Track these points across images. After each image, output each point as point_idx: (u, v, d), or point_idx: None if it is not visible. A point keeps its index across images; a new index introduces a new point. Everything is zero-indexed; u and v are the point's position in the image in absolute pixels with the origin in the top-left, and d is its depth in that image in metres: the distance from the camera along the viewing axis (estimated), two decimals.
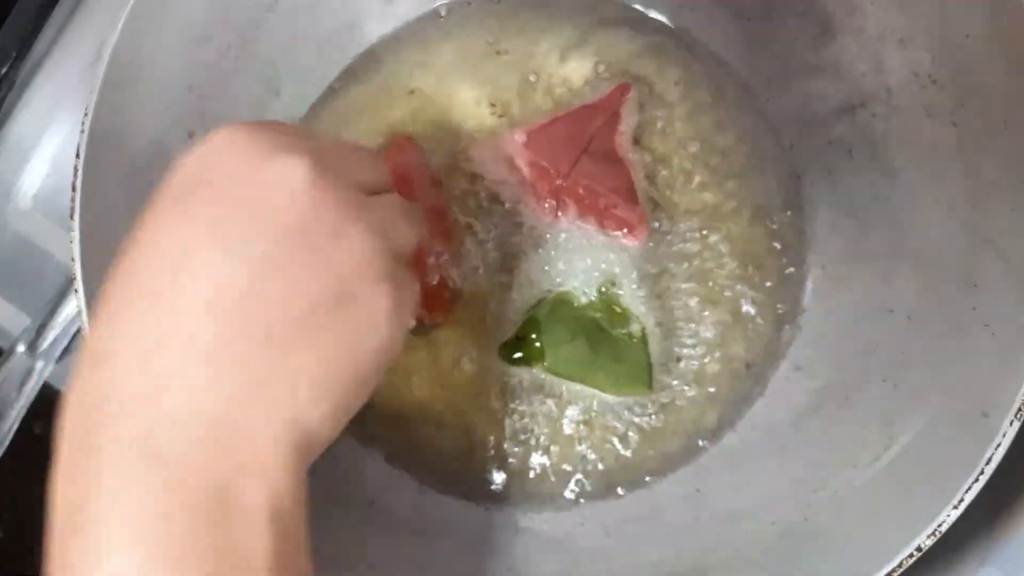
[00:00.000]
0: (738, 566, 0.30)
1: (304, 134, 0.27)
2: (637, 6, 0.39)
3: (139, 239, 0.23)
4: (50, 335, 0.39)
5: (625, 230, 0.35)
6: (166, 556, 0.19)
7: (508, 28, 0.39)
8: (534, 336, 0.35)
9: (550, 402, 0.35)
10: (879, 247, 0.34)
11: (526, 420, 0.36)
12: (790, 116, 0.37)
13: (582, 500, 0.35)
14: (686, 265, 0.36)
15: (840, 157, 0.35)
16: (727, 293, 0.36)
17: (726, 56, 0.38)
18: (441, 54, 0.39)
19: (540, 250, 0.36)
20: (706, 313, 0.36)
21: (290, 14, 0.37)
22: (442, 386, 0.36)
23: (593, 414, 0.35)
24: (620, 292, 0.35)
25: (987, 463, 0.25)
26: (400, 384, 0.36)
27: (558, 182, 0.36)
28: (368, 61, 0.39)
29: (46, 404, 0.42)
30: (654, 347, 0.35)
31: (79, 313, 0.29)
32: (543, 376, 0.35)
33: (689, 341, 0.36)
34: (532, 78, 0.38)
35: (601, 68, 0.38)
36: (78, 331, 0.39)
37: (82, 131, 0.30)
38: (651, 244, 0.36)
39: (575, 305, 0.35)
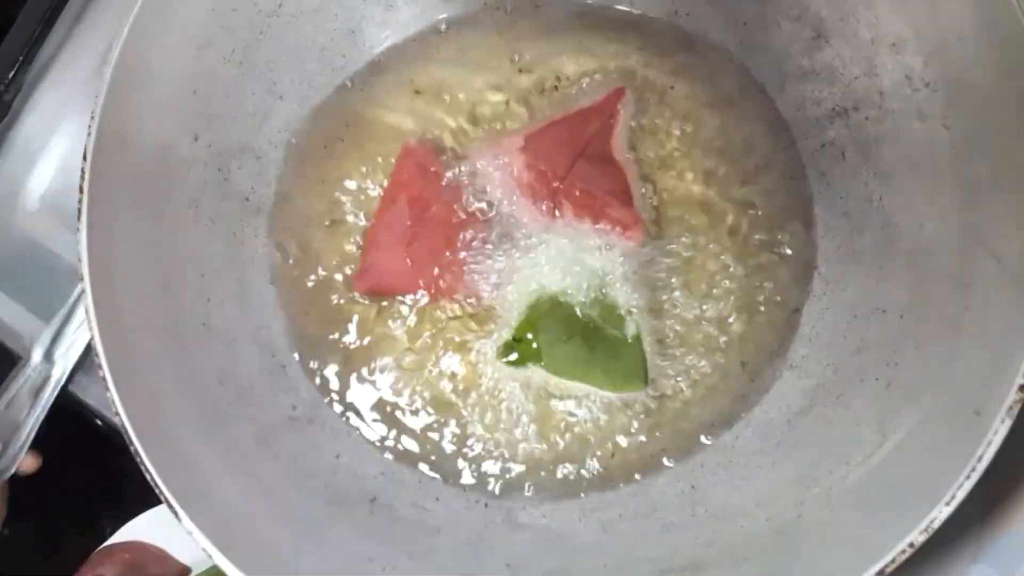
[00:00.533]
0: (733, 562, 0.30)
1: None
2: (633, 11, 0.39)
3: None
4: (67, 341, 0.40)
5: (621, 231, 0.36)
6: None
7: (506, 33, 0.39)
8: (530, 336, 0.36)
9: (547, 401, 0.36)
10: (872, 248, 0.34)
11: (524, 419, 0.36)
12: (785, 119, 0.37)
13: (579, 497, 0.35)
14: (681, 266, 0.36)
15: (834, 159, 0.36)
16: (721, 293, 0.36)
17: (721, 61, 0.38)
18: (441, 59, 0.39)
19: (537, 251, 0.36)
20: (701, 313, 0.36)
21: (293, 20, 0.37)
22: (441, 386, 0.37)
23: (589, 413, 0.36)
24: (615, 292, 0.36)
25: (979, 460, 0.26)
26: (400, 384, 0.37)
27: (555, 184, 0.36)
28: (369, 66, 0.40)
29: (53, 403, 0.42)
30: (649, 347, 0.36)
31: (87, 312, 0.29)
32: (540, 376, 0.36)
33: (684, 340, 0.36)
34: (529, 82, 0.39)
35: (597, 72, 0.38)
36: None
37: (89, 134, 0.30)
38: (646, 245, 0.36)
39: (571, 305, 0.36)
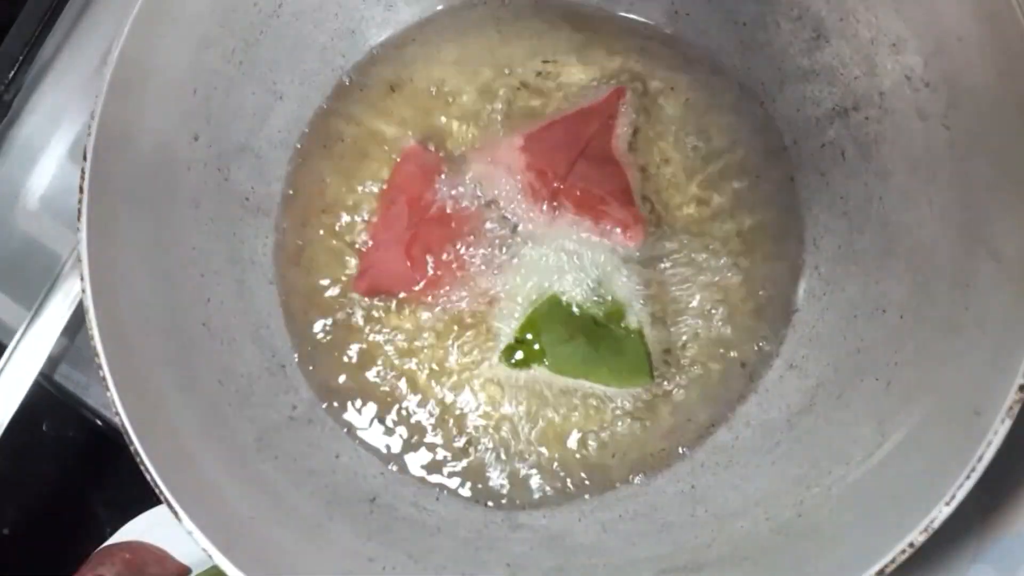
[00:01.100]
0: (733, 562, 0.30)
1: None
2: (633, 11, 0.39)
3: None
4: (41, 324, 0.39)
5: (622, 231, 0.36)
6: None
7: (506, 32, 0.39)
8: (532, 337, 0.36)
9: (548, 401, 0.36)
10: (872, 247, 0.34)
11: (524, 419, 0.36)
12: (784, 119, 0.37)
13: (579, 497, 0.35)
14: (681, 266, 0.36)
15: (834, 159, 0.36)
16: (721, 293, 0.36)
17: (721, 60, 0.38)
18: (441, 59, 0.39)
19: (537, 251, 0.36)
20: (701, 312, 0.36)
21: (293, 20, 0.37)
22: (442, 387, 0.37)
23: (590, 413, 0.36)
24: (616, 291, 0.36)
25: (979, 460, 0.26)
26: (399, 385, 0.37)
27: (555, 185, 0.36)
28: (369, 66, 0.40)
29: (53, 403, 0.43)
30: (650, 347, 0.36)
31: (87, 312, 0.29)
32: (542, 376, 0.36)
33: (684, 340, 0.36)
34: (530, 82, 0.39)
35: (597, 72, 0.39)
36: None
37: (89, 133, 0.30)
38: (647, 245, 0.36)
39: (572, 305, 0.36)
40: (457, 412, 0.36)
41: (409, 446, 0.36)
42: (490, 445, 0.36)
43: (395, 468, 0.36)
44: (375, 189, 0.39)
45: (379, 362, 0.37)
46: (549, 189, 0.36)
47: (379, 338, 0.37)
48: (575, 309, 0.36)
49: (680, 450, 0.35)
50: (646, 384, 0.35)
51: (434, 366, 0.37)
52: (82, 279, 0.29)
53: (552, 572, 0.32)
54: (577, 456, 0.36)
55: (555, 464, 0.36)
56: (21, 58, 0.43)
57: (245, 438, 0.33)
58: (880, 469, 0.29)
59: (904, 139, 0.33)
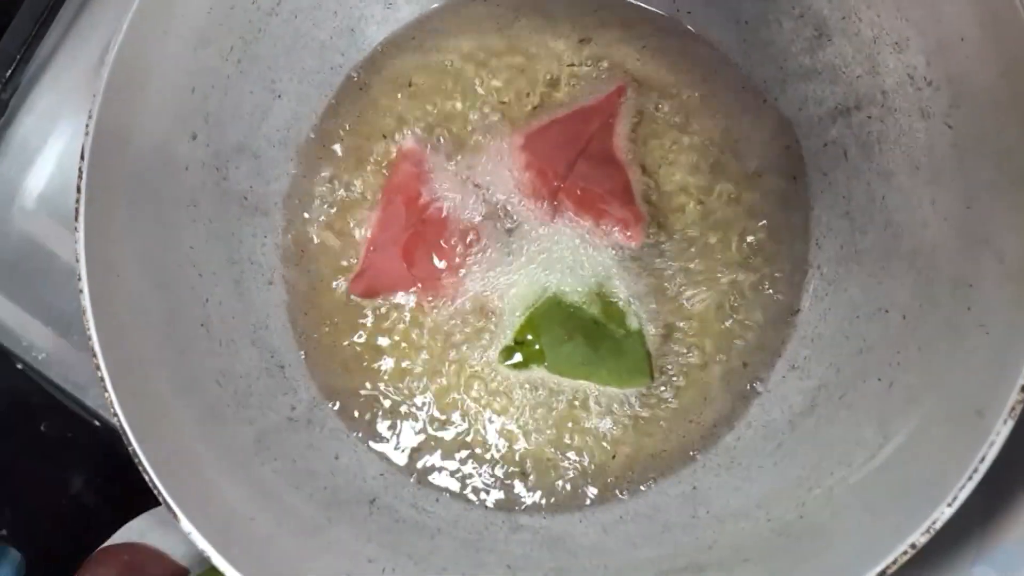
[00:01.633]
0: (734, 563, 0.30)
1: None
2: (633, 8, 0.39)
3: None
4: None
5: (622, 230, 0.36)
6: None
7: (507, 30, 0.39)
8: (531, 338, 0.35)
9: (547, 402, 0.36)
10: (875, 248, 0.34)
11: (525, 420, 0.36)
12: (786, 118, 0.37)
13: (579, 498, 0.35)
14: (682, 266, 0.36)
15: (836, 159, 0.36)
16: (723, 293, 0.36)
17: (723, 59, 0.38)
18: (440, 57, 0.39)
19: (537, 250, 0.36)
20: (702, 313, 0.36)
21: (291, 18, 0.37)
22: (441, 388, 0.36)
23: (590, 414, 0.36)
24: (616, 291, 0.36)
25: (981, 461, 0.26)
26: (398, 386, 0.37)
27: (556, 183, 0.36)
28: (368, 64, 0.40)
29: (52, 403, 0.42)
30: (650, 347, 0.36)
31: (85, 312, 0.29)
32: (542, 377, 0.36)
33: (685, 341, 0.36)
34: (530, 80, 0.39)
35: (598, 71, 0.38)
36: None
37: (86, 133, 0.30)
38: (648, 244, 0.36)
39: (571, 304, 0.36)
40: (456, 413, 0.36)
41: (409, 447, 0.36)
42: (489, 446, 0.36)
43: (395, 469, 0.36)
44: (374, 188, 0.38)
45: (378, 363, 0.37)
46: (549, 188, 0.36)
47: (378, 339, 0.37)
48: (575, 309, 0.35)
49: (681, 451, 0.35)
50: (646, 385, 0.35)
51: (433, 367, 0.37)
52: (80, 279, 0.29)
53: (552, 574, 0.32)
54: (577, 457, 0.35)
55: (555, 465, 0.35)
56: (18, 57, 0.42)
57: (244, 439, 0.33)
58: (882, 470, 0.29)
59: (907, 139, 0.33)
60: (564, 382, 0.36)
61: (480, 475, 0.36)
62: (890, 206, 0.34)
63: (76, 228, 0.30)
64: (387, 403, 0.37)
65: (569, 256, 0.36)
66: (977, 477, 0.26)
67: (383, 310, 0.37)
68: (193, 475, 0.29)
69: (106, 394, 0.28)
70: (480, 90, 0.39)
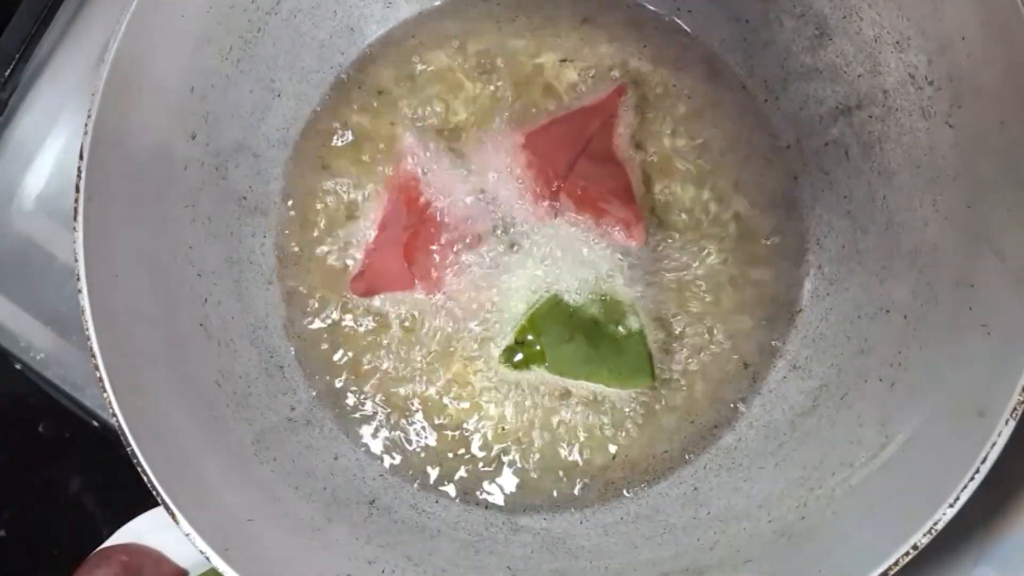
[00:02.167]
0: (735, 564, 0.30)
1: None
2: (634, 7, 0.39)
3: None
4: None
5: (623, 230, 0.36)
6: None
7: (507, 29, 0.39)
8: (532, 339, 0.35)
9: (548, 402, 0.36)
10: (876, 247, 0.34)
11: (525, 420, 0.36)
12: (787, 118, 0.37)
13: (580, 499, 0.35)
14: (682, 265, 0.36)
15: (837, 158, 0.36)
16: (724, 293, 0.36)
17: (724, 58, 0.38)
18: (440, 56, 0.39)
19: (538, 250, 0.36)
20: (703, 313, 0.36)
21: (291, 17, 0.37)
22: (441, 389, 0.36)
23: (590, 414, 0.36)
24: (617, 291, 0.36)
25: (983, 462, 0.26)
26: (398, 387, 0.37)
27: (556, 183, 0.36)
28: (368, 63, 0.40)
29: (51, 404, 0.42)
30: (651, 347, 0.35)
31: (84, 312, 0.29)
32: (542, 377, 0.36)
33: (686, 341, 0.36)
34: (531, 79, 0.39)
35: (599, 70, 0.38)
36: None
37: (85, 132, 0.30)
38: (648, 244, 0.36)
39: (572, 305, 0.35)
40: (456, 413, 0.36)
41: (409, 448, 0.36)
42: (490, 447, 0.36)
43: (394, 470, 0.36)
44: (374, 188, 0.38)
45: (378, 363, 0.37)
46: (550, 188, 0.36)
47: (378, 339, 0.37)
48: (575, 309, 0.35)
49: (682, 452, 0.35)
50: (647, 385, 0.35)
51: (433, 367, 0.36)
52: (78, 279, 0.29)
53: (553, 575, 0.31)
54: (578, 458, 0.35)
55: (556, 466, 0.35)
56: (17, 56, 0.42)
57: (243, 439, 0.33)
58: (884, 471, 0.29)
59: (908, 138, 0.33)
60: (565, 382, 0.36)
61: (480, 476, 0.35)
62: (891, 206, 0.34)
63: (75, 228, 0.30)
64: (387, 403, 0.36)
65: (570, 256, 0.36)
66: (979, 478, 0.25)
67: (383, 309, 0.37)
68: (192, 476, 0.29)
69: (105, 394, 0.28)
70: (480, 89, 0.39)
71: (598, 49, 0.39)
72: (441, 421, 0.36)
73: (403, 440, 0.36)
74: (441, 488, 0.35)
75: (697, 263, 0.36)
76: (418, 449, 0.36)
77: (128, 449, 0.28)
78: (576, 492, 0.35)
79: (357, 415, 0.37)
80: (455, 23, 0.40)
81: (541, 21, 0.39)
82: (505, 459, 0.35)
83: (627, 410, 0.35)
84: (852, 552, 0.27)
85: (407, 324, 0.37)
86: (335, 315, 0.37)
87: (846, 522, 0.29)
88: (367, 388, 0.37)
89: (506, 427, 0.36)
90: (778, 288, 0.36)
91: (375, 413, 0.37)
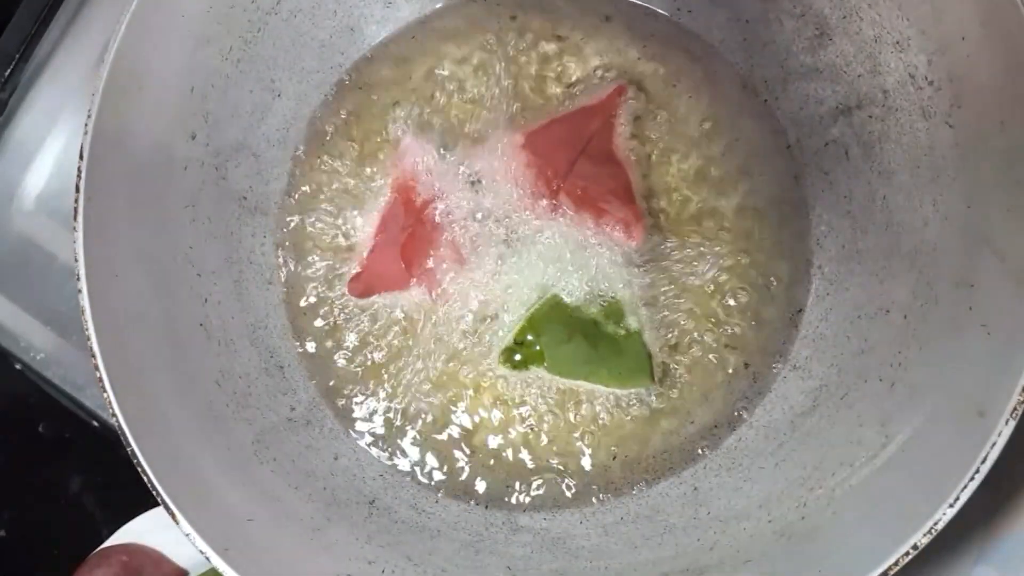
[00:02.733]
0: (735, 564, 0.30)
1: None
2: (634, 9, 0.39)
3: None
4: None
5: (622, 230, 0.36)
6: None
7: (507, 29, 0.39)
8: (532, 338, 0.35)
9: (548, 403, 0.36)
10: (876, 247, 0.34)
11: (524, 421, 0.36)
12: (787, 118, 0.37)
13: (580, 499, 0.35)
14: (683, 265, 0.36)
15: (837, 158, 0.36)
16: (724, 293, 0.36)
17: (724, 58, 0.38)
18: (441, 55, 0.39)
19: (537, 251, 0.36)
20: (703, 313, 0.36)
21: (291, 17, 0.37)
22: (440, 389, 0.36)
23: (590, 415, 0.36)
24: (616, 291, 0.36)
25: (983, 462, 0.26)
26: (398, 387, 0.37)
27: (556, 183, 0.36)
28: (368, 63, 0.40)
29: (50, 404, 0.42)
30: (651, 348, 0.35)
31: (83, 312, 0.29)
32: (541, 377, 0.36)
33: (686, 341, 0.36)
34: (531, 79, 0.39)
35: (599, 70, 0.38)
36: None
37: (85, 132, 0.30)
38: (648, 244, 0.36)
39: (571, 305, 0.35)
40: (456, 414, 0.36)
41: (408, 448, 0.36)
42: (490, 447, 0.36)
43: (394, 470, 0.36)
44: (373, 188, 0.38)
45: (377, 364, 0.37)
46: (550, 187, 0.36)
47: (377, 340, 0.37)
48: (575, 310, 0.35)
49: (682, 452, 0.35)
50: (647, 385, 0.35)
51: (433, 367, 0.36)
52: (78, 279, 0.29)
53: (553, 575, 0.31)
54: (578, 458, 0.35)
55: (556, 466, 0.35)
56: (17, 56, 0.42)
57: (243, 439, 0.33)
58: (884, 471, 0.29)
59: (908, 138, 0.33)
60: (564, 383, 0.36)
61: (480, 476, 0.35)
62: (891, 206, 0.34)
63: (75, 228, 0.30)
64: (386, 404, 0.36)
65: (569, 256, 0.36)
66: (979, 478, 0.25)
67: (382, 310, 0.37)
68: (192, 476, 0.29)
69: (105, 394, 0.28)
70: (480, 89, 0.39)
71: (598, 49, 0.39)
72: (441, 421, 0.36)
73: (403, 440, 0.36)
74: (441, 488, 0.35)
75: (696, 263, 0.36)
76: (418, 449, 0.36)
77: (128, 449, 0.28)
78: (576, 492, 0.35)
79: (357, 415, 0.37)
80: (455, 23, 0.40)
81: (541, 21, 0.39)
82: (505, 459, 0.35)
83: (626, 410, 0.35)
84: (852, 552, 0.27)
85: (406, 325, 0.37)
86: (335, 315, 0.37)
87: (846, 522, 0.29)
88: (367, 388, 0.37)
89: (505, 427, 0.36)
90: (778, 288, 0.36)
91: (375, 413, 0.37)
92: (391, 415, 0.36)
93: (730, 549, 0.30)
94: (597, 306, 0.35)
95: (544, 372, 0.35)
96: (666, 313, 0.36)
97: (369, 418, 0.36)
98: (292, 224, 0.38)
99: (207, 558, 0.27)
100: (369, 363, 0.37)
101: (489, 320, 0.36)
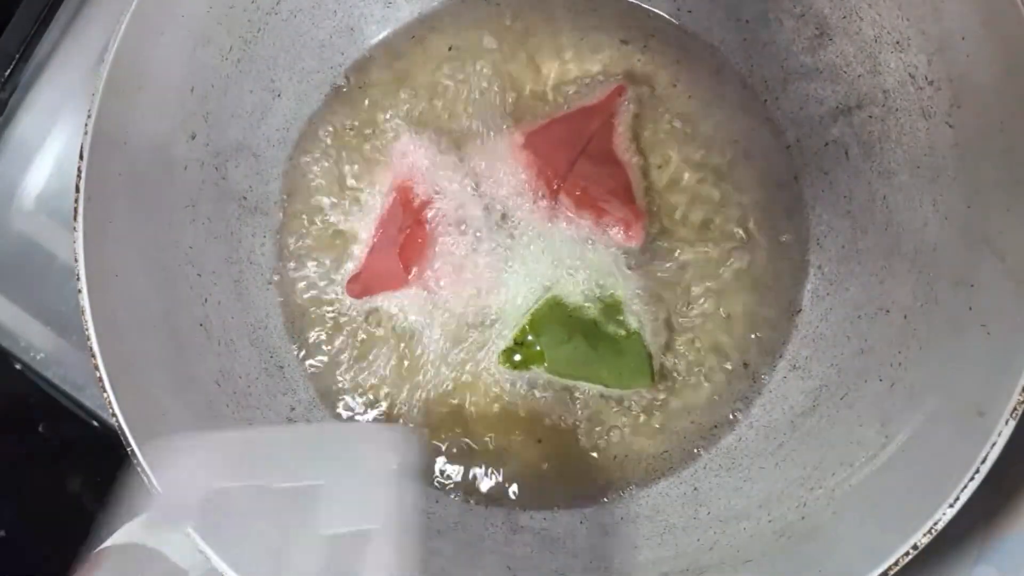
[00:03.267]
0: (735, 564, 0.30)
1: None
2: (634, 9, 0.39)
3: None
4: None
5: (622, 230, 0.36)
6: None
7: (507, 29, 0.39)
8: (532, 339, 0.35)
9: (547, 403, 0.36)
10: (876, 247, 0.34)
11: (524, 421, 0.36)
12: (788, 118, 0.37)
13: (580, 499, 0.35)
14: (682, 265, 0.36)
15: (837, 158, 0.36)
16: (723, 293, 0.36)
17: (724, 58, 0.38)
18: (440, 56, 0.39)
19: (537, 251, 0.36)
20: (702, 313, 0.36)
21: (291, 17, 0.37)
22: (440, 390, 0.36)
23: (590, 415, 0.35)
24: (617, 291, 0.36)
25: (983, 462, 0.26)
26: (398, 388, 0.37)
27: (556, 183, 0.36)
28: (368, 63, 0.40)
29: (50, 404, 0.42)
30: (651, 348, 0.35)
31: (83, 313, 0.29)
32: (541, 377, 0.36)
33: (686, 341, 0.36)
34: (531, 79, 0.39)
35: (599, 69, 0.38)
36: None
37: (85, 132, 0.30)
38: (648, 244, 0.36)
39: (571, 305, 0.35)
40: (456, 414, 0.36)
41: (408, 447, 0.36)
42: (490, 447, 0.36)
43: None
44: (374, 188, 0.38)
45: (378, 363, 0.37)
46: (550, 187, 0.36)
47: (377, 340, 0.37)
48: (575, 310, 0.35)
49: (682, 452, 0.35)
50: (646, 386, 0.35)
51: (432, 368, 0.36)
52: (78, 279, 0.29)
53: (553, 575, 0.31)
54: (578, 459, 0.35)
55: (556, 465, 0.35)
56: (17, 56, 0.42)
57: None
58: (884, 471, 0.29)
59: (908, 138, 0.33)
60: (565, 383, 0.36)
61: (480, 476, 0.35)
62: (891, 206, 0.34)
63: (75, 228, 0.30)
64: (386, 404, 0.36)
65: (569, 256, 0.36)
66: (979, 478, 0.25)
67: (381, 311, 0.37)
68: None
69: (104, 394, 0.28)
70: (480, 89, 0.39)
71: (598, 49, 0.39)
72: (441, 421, 0.36)
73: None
74: (441, 488, 0.35)
75: (696, 263, 0.36)
76: (417, 448, 0.36)
77: (128, 449, 0.28)
78: (576, 492, 0.35)
79: (356, 415, 0.37)
80: (455, 24, 0.40)
81: (541, 21, 0.39)
82: (506, 459, 0.35)
83: (626, 410, 0.35)
84: (852, 552, 0.27)
85: (405, 325, 0.37)
86: (336, 315, 0.37)
87: (846, 522, 0.29)
88: (366, 388, 0.37)
89: (505, 427, 0.36)
90: (778, 288, 0.36)
91: (375, 414, 0.36)
92: (390, 415, 0.36)
93: (730, 549, 0.30)
94: (597, 306, 0.35)
95: (544, 372, 0.35)
96: (666, 313, 0.36)
97: (370, 418, 0.36)
98: (292, 224, 0.38)
99: (207, 558, 0.27)
100: (369, 363, 0.37)
101: (489, 320, 0.36)
